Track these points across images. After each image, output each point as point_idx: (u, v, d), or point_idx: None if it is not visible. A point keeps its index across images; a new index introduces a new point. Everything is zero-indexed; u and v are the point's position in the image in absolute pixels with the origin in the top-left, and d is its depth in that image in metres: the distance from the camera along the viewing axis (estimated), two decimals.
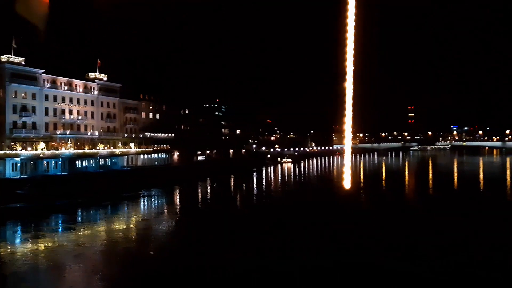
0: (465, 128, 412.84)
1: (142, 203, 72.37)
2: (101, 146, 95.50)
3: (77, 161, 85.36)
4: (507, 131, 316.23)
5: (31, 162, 75.89)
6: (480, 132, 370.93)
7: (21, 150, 76.60)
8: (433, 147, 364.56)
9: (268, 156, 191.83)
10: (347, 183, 9.60)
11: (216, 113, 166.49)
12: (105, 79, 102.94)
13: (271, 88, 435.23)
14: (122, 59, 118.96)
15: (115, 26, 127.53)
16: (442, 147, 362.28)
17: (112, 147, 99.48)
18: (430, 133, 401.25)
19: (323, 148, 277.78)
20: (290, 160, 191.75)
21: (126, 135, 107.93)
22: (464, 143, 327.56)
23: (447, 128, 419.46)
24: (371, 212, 58.45)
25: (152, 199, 76.56)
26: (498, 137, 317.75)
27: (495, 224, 49.03)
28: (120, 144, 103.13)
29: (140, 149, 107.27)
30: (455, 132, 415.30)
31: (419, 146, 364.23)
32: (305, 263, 34.33)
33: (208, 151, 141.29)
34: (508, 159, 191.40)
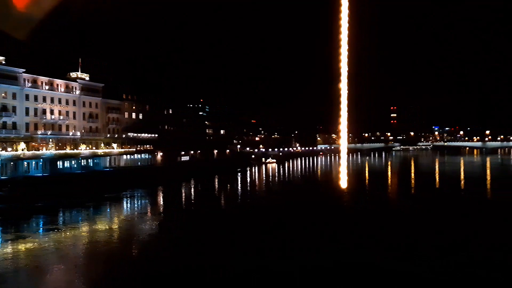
0: (446, 128, 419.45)
1: (126, 204, 70.98)
2: (83, 146, 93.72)
3: (58, 162, 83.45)
4: (487, 132, 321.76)
5: (11, 163, 73.89)
6: (461, 132, 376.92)
7: (1, 150, 74.72)
8: (415, 147, 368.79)
9: (253, 156, 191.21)
10: (343, 183, 9.45)
11: (200, 113, 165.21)
12: (87, 78, 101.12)
13: (256, 89, 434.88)
14: (107, 58, 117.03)
15: (113, 26, 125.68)
16: (424, 147, 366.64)
17: (94, 148, 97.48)
18: (412, 133, 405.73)
19: (307, 148, 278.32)
20: (274, 160, 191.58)
21: (108, 135, 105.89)
22: (445, 143, 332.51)
23: (429, 129, 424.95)
24: (370, 212, 58.13)
25: (137, 200, 74.88)
26: (478, 138, 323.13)
27: (495, 224, 49.02)
28: (102, 145, 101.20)
29: (123, 150, 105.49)
30: (436, 133, 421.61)
31: (401, 146, 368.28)
32: (305, 263, 33.95)
33: (192, 152, 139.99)
34: (488, 159, 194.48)
